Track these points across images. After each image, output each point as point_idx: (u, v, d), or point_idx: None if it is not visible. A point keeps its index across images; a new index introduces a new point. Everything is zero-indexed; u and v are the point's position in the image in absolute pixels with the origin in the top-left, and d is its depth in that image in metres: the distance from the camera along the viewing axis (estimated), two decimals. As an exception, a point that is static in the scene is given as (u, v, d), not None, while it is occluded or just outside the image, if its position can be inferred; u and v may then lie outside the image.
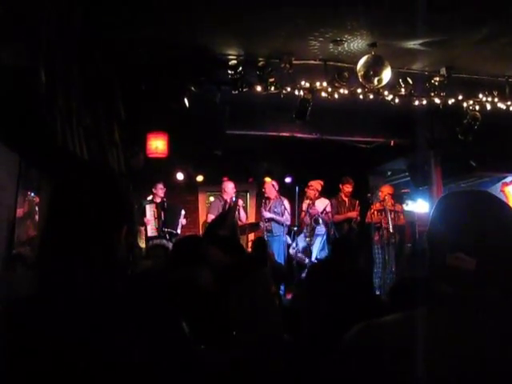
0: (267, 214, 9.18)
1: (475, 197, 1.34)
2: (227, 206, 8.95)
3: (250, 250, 9.23)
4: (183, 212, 8.89)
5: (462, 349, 1.14)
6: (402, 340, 1.18)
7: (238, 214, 9.05)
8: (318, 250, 8.96)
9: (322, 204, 9.08)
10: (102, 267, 1.40)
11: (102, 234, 1.43)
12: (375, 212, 8.90)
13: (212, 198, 10.30)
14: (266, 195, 9.31)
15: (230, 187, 9.16)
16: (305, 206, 9.12)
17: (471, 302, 1.21)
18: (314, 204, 9.12)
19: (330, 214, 9.01)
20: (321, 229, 9.07)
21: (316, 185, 9.17)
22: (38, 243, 1.62)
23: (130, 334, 1.32)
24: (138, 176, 7.26)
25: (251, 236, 9.81)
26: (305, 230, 9.09)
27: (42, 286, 1.43)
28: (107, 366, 1.28)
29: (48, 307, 1.34)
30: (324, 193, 9.37)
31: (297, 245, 8.87)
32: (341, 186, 9.27)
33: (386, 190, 8.99)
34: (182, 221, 8.87)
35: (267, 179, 9.75)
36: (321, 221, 9.02)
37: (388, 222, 8.64)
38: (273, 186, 9.31)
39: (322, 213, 8.92)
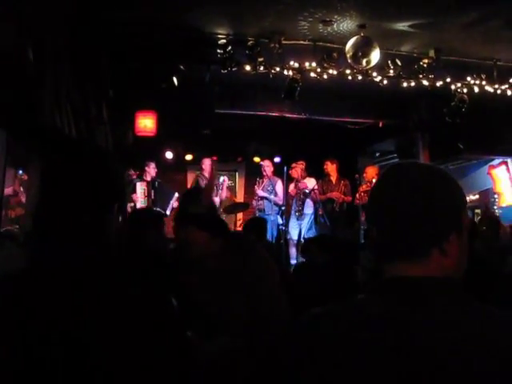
0: (260, 193, 9.24)
1: (399, 169, 1.27)
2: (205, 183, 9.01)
3: (240, 229, 9.34)
4: (176, 195, 8.84)
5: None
6: (359, 329, 1.12)
7: (221, 192, 9.11)
8: (305, 229, 9.03)
9: (311, 183, 9.15)
10: (93, 244, 1.43)
11: (93, 211, 1.44)
12: (362, 193, 8.95)
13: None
14: (265, 174, 9.35)
15: (206, 164, 9.24)
16: (291, 187, 9.18)
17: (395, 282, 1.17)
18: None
19: (317, 193, 9.08)
20: (309, 208, 9.13)
21: (298, 166, 9.22)
22: (31, 220, 1.63)
23: (121, 310, 1.34)
24: (126, 154, 7.32)
25: (240, 215, 9.88)
26: (293, 207, 9.15)
27: (33, 262, 1.45)
28: (99, 341, 1.30)
29: (39, 282, 1.35)
30: (312, 173, 9.40)
31: (287, 226, 8.92)
32: (323, 164, 9.30)
33: (371, 171, 9.04)
34: (174, 203, 8.83)
35: (256, 159, 9.77)
36: (310, 201, 9.10)
37: None
38: (264, 165, 9.39)
39: (310, 192, 8.97)
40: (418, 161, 1.39)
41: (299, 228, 8.98)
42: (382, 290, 1.18)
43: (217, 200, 8.99)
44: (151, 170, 8.84)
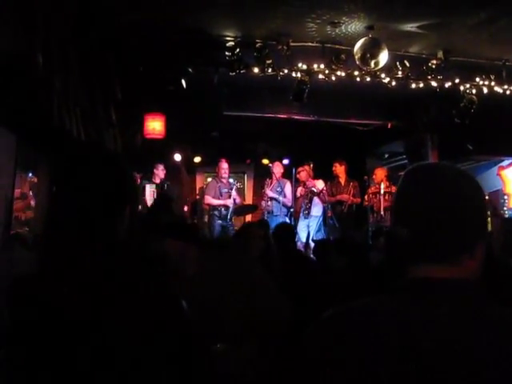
0: (270, 193, 9.21)
1: (428, 169, 1.26)
2: (223, 186, 8.99)
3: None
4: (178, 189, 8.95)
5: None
6: (367, 328, 1.11)
7: (235, 195, 9.09)
8: (314, 231, 9.02)
9: (319, 184, 9.16)
10: (106, 247, 1.43)
11: (105, 213, 1.45)
12: (371, 195, 8.93)
13: (210, 179, 10.32)
14: (274, 175, 9.31)
15: (223, 167, 9.18)
16: (299, 191, 9.18)
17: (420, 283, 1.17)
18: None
19: (326, 194, 9.07)
20: (317, 210, 9.12)
21: (305, 168, 9.23)
22: (40, 223, 1.65)
23: (132, 310, 1.35)
24: (135, 157, 7.35)
25: (248, 217, 9.87)
26: (302, 208, 9.13)
27: (44, 265, 1.48)
28: (109, 341, 1.31)
29: (53, 285, 1.37)
30: (320, 175, 9.41)
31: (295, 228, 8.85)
32: (332, 166, 9.33)
33: (380, 173, 9.01)
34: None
35: (265, 161, 9.77)
36: (318, 201, 9.09)
37: (380, 206, 8.66)
38: (274, 166, 9.40)
39: (319, 192, 8.98)
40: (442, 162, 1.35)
41: (307, 230, 8.96)
42: (404, 291, 1.17)
43: (230, 202, 8.96)
44: (160, 172, 8.84)
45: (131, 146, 7.16)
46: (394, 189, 8.79)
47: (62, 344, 1.30)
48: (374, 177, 9.18)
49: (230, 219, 8.85)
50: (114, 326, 1.32)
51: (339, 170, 9.22)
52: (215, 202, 9.02)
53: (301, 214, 9.15)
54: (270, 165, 9.41)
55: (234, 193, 8.99)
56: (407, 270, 1.19)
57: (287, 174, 9.39)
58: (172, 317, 1.39)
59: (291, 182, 9.14)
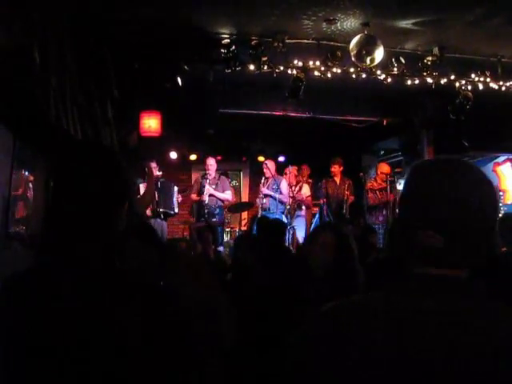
0: (265, 190, 9.22)
1: (452, 165, 1.19)
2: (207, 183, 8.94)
3: (245, 228, 9.36)
4: (176, 188, 8.79)
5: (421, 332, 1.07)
6: (362, 324, 1.10)
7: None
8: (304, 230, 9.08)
9: (304, 190, 9.33)
10: (105, 244, 1.44)
11: (105, 211, 1.45)
12: (377, 192, 8.94)
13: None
14: (267, 173, 9.34)
15: (207, 163, 9.09)
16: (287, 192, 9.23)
17: (437, 281, 1.14)
18: (300, 189, 9.31)
19: (310, 198, 9.33)
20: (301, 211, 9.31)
21: (294, 170, 9.30)
22: (37, 222, 1.65)
23: (128, 309, 1.34)
24: (132, 154, 7.31)
25: (244, 214, 9.88)
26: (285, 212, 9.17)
27: (41, 263, 1.48)
28: (105, 338, 1.31)
29: (48, 282, 1.37)
30: (316, 172, 9.42)
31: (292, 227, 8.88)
32: (331, 167, 9.35)
33: (385, 168, 9.01)
34: (178, 198, 8.77)
35: (261, 158, 9.76)
36: (303, 207, 9.25)
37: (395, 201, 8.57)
38: (266, 164, 9.38)
39: (302, 201, 9.17)
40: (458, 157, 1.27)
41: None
42: (416, 288, 1.15)
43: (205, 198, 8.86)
44: (153, 170, 8.69)
45: (127, 144, 7.15)
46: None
47: (58, 342, 1.31)
48: (379, 172, 9.15)
49: (212, 216, 8.73)
50: (112, 325, 1.32)
51: (337, 170, 9.27)
52: (193, 198, 9.06)
53: (302, 217, 9.27)
54: (265, 162, 9.43)
55: (206, 187, 8.86)
56: (413, 268, 1.18)
57: (283, 170, 9.42)
58: (170, 316, 1.40)
59: (286, 179, 9.18)
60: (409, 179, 1.24)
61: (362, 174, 9.32)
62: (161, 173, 8.68)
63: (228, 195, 9.10)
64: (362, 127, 8.87)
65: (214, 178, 9.06)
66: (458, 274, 1.15)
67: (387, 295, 1.16)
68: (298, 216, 9.18)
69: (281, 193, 9.15)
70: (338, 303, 1.17)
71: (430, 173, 1.20)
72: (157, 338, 1.34)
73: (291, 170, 9.14)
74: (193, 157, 10.24)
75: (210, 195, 8.82)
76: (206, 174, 9.01)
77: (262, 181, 9.43)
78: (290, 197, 9.05)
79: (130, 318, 1.32)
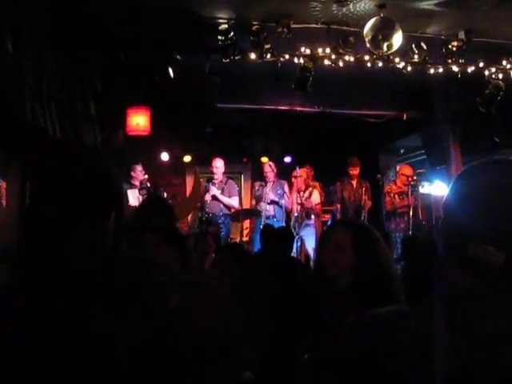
0: (271, 196, 9.19)
1: (503, 170, 1.17)
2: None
3: (247, 239, 9.33)
4: (165, 195, 8.67)
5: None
6: (395, 335, 1.16)
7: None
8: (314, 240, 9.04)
9: (315, 197, 9.22)
10: (89, 255, 1.46)
11: (86, 221, 1.46)
12: (395, 196, 8.94)
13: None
14: (267, 177, 9.32)
15: (212, 166, 9.13)
16: (295, 198, 9.18)
17: (492, 298, 1.13)
18: (310, 195, 9.22)
19: (319, 207, 9.19)
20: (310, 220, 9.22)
21: (303, 173, 9.20)
22: (11, 232, 1.68)
23: (109, 320, 1.40)
24: (117, 156, 7.34)
25: (246, 223, 9.85)
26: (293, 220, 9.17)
27: (16, 277, 1.50)
28: (91, 339, 1.37)
29: (23, 298, 1.40)
30: (329, 175, 9.41)
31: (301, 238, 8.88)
32: (347, 169, 9.32)
33: (407, 171, 9.04)
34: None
35: (264, 159, 9.75)
36: (313, 216, 9.13)
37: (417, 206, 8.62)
38: (270, 166, 9.36)
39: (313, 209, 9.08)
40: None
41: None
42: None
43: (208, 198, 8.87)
44: (138, 174, 8.68)
45: (112, 144, 7.19)
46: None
47: (45, 344, 1.35)
48: (400, 174, 9.19)
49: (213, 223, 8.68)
50: (96, 326, 1.38)
51: (356, 173, 9.27)
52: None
53: (311, 227, 9.17)
54: (270, 163, 9.41)
55: (212, 188, 8.89)
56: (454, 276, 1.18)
57: (288, 173, 9.41)
58: (154, 323, 1.50)
59: (288, 183, 9.25)
60: (454, 188, 1.22)
61: (379, 175, 9.26)
62: (146, 176, 8.67)
63: (235, 201, 9.12)
64: (379, 123, 8.81)
65: (221, 181, 9.08)
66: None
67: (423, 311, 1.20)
68: (307, 225, 9.12)
69: (286, 198, 9.16)
70: (366, 316, 1.23)
71: (489, 176, 1.18)
72: (143, 339, 1.42)
73: (300, 172, 9.11)
74: (187, 158, 10.14)
75: (214, 198, 8.86)
76: (211, 177, 9.04)
77: (257, 186, 9.46)
78: (297, 204, 9.02)
79: (113, 320, 1.38)
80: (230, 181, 9.34)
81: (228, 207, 9.06)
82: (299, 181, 9.07)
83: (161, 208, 2.86)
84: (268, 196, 9.21)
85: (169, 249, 2.50)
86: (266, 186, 9.31)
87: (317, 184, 9.35)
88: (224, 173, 9.22)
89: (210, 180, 9.08)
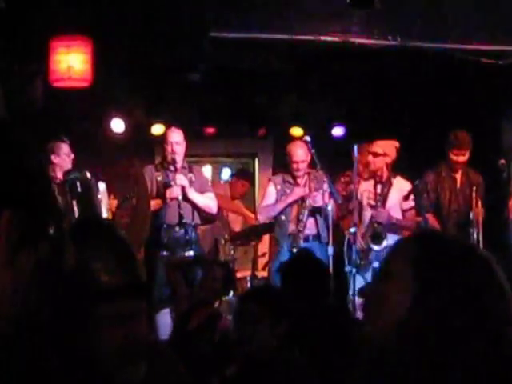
0: (319, 201, 9.24)
1: None
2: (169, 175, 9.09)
3: (264, 274, 9.24)
4: (103, 186, 8.79)
5: None
6: None
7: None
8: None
9: (399, 191, 9.13)
10: None
11: None
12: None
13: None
14: (293, 163, 9.31)
15: (171, 139, 9.23)
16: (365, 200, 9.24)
17: None
18: (386, 199, 9.18)
19: (413, 213, 9.18)
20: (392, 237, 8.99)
21: (387, 147, 9.17)
22: None
23: None
24: (33, 123, 7.35)
25: (265, 247, 9.70)
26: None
27: None
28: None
29: None
30: (411, 161, 9.46)
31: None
32: (448, 151, 9.15)
33: None
34: (107, 202, 8.82)
35: (296, 131, 9.56)
36: (388, 236, 9.01)
37: None
38: (306, 145, 9.29)
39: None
40: None
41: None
42: None
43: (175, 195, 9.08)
44: (64, 158, 8.68)
45: (25, 102, 7.61)
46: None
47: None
48: None
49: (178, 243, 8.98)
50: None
51: (463, 160, 9.13)
52: (151, 203, 9.15)
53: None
54: (307, 138, 9.24)
55: (180, 177, 9.07)
56: None
57: (340, 154, 9.50)
58: None
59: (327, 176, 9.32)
60: None
61: (503, 161, 9.02)
62: (72, 156, 8.68)
63: (211, 201, 9.33)
64: (503, 66, 8.87)
65: (183, 168, 9.23)
66: None
67: None
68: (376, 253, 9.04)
69: (335, 202, 9.21)
70: None
71: None
72: None
73: (382, 146, 9.07)
74: (157, 128, 10.16)
75: (185, 197, 9.06)
76: (165, 162, 9.23)
77: (279, 181, 9.51)
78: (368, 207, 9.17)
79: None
80: (196, 167, 9.75)
81: (202, 212, 9.20)
82: (377, 162, 8.93)
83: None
84: (316, 201, 9.11)
85: None
86: (295, 182, 9.38)
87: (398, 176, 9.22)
88: (187, 154, 9.41)
89: (164, 166, 9.15)
